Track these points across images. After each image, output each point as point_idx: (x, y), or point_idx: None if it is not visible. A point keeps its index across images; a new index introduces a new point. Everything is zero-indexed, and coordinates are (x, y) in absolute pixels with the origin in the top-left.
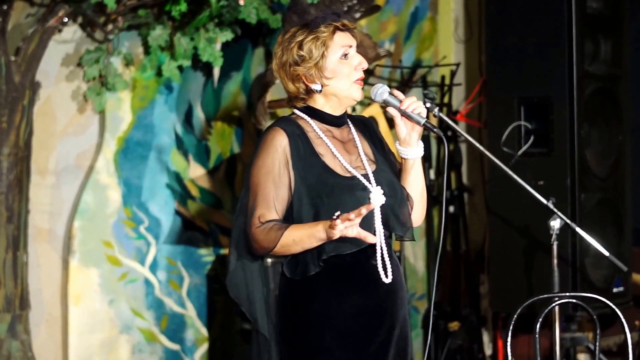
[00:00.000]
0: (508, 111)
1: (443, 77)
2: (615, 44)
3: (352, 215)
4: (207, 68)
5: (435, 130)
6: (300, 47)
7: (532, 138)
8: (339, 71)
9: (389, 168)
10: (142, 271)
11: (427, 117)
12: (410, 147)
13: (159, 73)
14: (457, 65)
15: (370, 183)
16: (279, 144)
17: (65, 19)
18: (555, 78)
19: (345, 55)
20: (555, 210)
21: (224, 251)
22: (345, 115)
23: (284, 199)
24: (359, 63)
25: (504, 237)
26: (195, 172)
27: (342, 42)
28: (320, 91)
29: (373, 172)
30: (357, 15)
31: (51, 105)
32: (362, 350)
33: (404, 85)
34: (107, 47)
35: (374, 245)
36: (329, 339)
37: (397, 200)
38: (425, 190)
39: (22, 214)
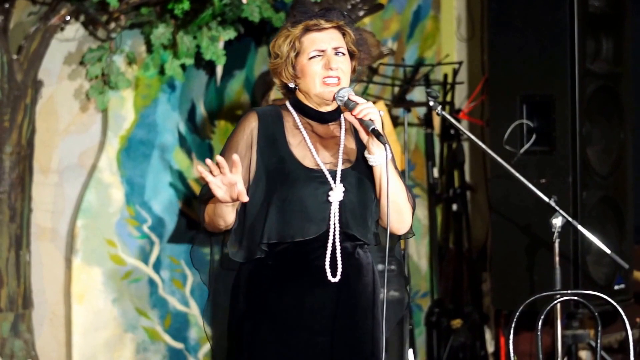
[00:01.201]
0: (510, 109)
1: (445, 76)
2: (617, 42)
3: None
4: (210, 66)
5: (380, 138)
6: (274, 44)
7: (534, 136)
8: (306, 71)
9: (368, 169)
10: (145, 270)
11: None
12: (371, 154)
13: (161, 71)
14: (460, 63)
15: (334, 179)
16: (248, 126)
17: (68, 18)
18: (557, 76)
19: (315, 56)
20: (557, 208)
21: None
22: (334, 112)
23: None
24: (327, 63)
25: (506, 234)
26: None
27: (312, 42)
28: (296, 89)
29: (344, 170)
30: (361, 13)
31: (53, 104)
32: (300, 348)
33: (407, 84)
34: (109, 45)
35: (326, 241)
36: (265, 329)
37: (360, 201)
38: (400, 198)
39: (25, 212)
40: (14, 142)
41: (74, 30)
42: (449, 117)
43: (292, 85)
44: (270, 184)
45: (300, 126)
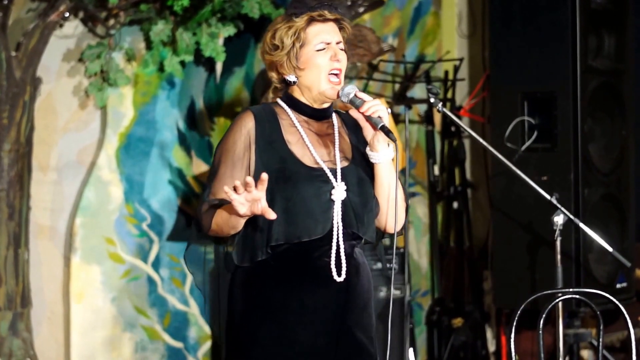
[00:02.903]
0: (511, 106)
1: (446, 72)
2: (618, 39)
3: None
4: (209, 63)
5: (390, 135)
6: (273, 35)
7: (535, 133)
8: (311, 62)
9: (366, 167)
10: (144, 268)
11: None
12: (375, 151)
13: (161, 68)
14: (461, 60)
15: (335, 178)
16: (244, 126)
17: (67, 14)
18: (558, 73)
19: (322, 49)
20: (559, 205)
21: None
22: (328, 109)
23: (240, 180)
24: (334, 55)
25: (507, 232)
26: (198, 169)
27: (318, 34)
28: (295, 83)
29: (343, 169)
30: (361, 9)
31: (52, 101)
32: (301, 349)
33: (408, 81)
34: (108, 42)
35: (329, 240)
36: (265, 331)
37: (361, 200)
38: (399, 196)
39: (24, 210)
40: (12, 140)
41: (73, 27)
42: (449, 114)
43: (292, 78)
44: (271, 184)
45: (297, 124)
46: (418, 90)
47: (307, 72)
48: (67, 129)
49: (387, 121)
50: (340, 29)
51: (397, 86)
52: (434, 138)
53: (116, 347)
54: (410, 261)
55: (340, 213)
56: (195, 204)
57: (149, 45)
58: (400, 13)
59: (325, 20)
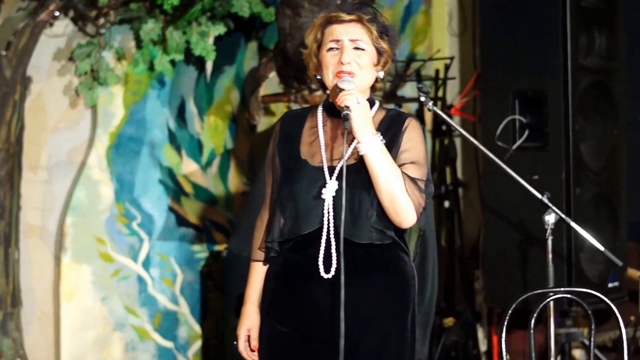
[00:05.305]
0: (502, 105)
1: (437, 71)
2: (609, 37)
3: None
4: (199, 62)
5: (345, 123)
6: (307, 36)
7: (526, 132)
8: (323, 62)
9: None
10: (134, 268)
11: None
12: (359, 143)
13: (151, 67)
14: (451, 59)
15: (331, 176)
16: (274, 130)
17: (57, 13)
18: (549, 72)
19: (332, 48)
20: (550, 204)
21: (218, 247)
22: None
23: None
24: (340, 56)
25: (498, 232)
26: (188, 168)
27: (330, 34)
28: (321, 81)
29: (348, 167)
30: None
31: (43, 100)
32: (298, 349)
33: (398, 79)
34: (98, 41)
35: (319, 237)
36: (263, 325)
37: (354, 198)
38: (394, 188)
39: (14, 210)
40: (2, 139)
41: (63, 26)
42: (440, 113)
43: (319, 77)
44: (280, 184)
45: (320, 124)
46: (409, 89)
47: (322, 72)
48: (57, 128)
49: (357, 111)
50: (365, 26)
51: (387, 85)
52: (425, 137)
53: (106, 346)
54: None
55: (331, 210)
56: (185, 203)
57: (139, 44)
58: (390, 11)
59: (341, 21)
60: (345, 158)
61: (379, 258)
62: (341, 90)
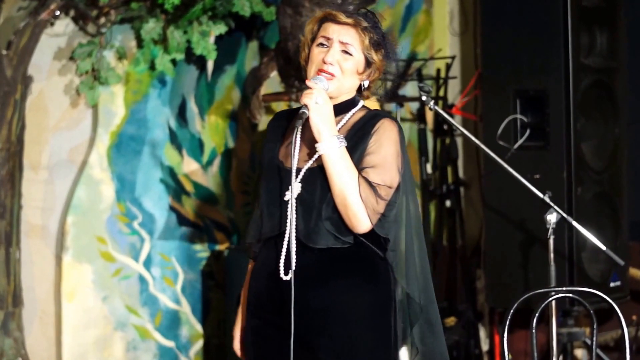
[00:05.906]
0: (504, 104)
1: (438, 70)
2: (611, 37)
3: None
4: (200, 61)
5: (297, 122)
6: (305, 25)
7: (528, 131)
8: (311, 57)
9: None
10: (136, 267)
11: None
12: (316, 143)
13: (152, 67)
14: (453, 58)
15: (296, 177)
16: (267, 130)
17: (57, 12)
18: (551, 71)
19: (322, 44)
20: (552, 204)
21: (219, 247)
22: (341, 106)
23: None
24: (325, 55)
25: (500, 231)
26: (189, 167)
27: (324, 30)
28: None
29: (313, 169)
30: (351, 7)
31: (43, 100)
32: (268, 345)
33: (399, 79)
34: (99, 40)
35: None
36: (249, 325)
37: (313, 202)
38: (347, 191)
39: (15, 209)
40: (3, 139)
41: (64, 25)
42: (442, 112)
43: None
44: (261, 184)
45: (299, 125)
46: (410, 88)
47: (308, 65)
48: (58, 127)
49: (316, 110)
50: (359, 32)
51: (388, 84)
52: (426, 136)
53: (107, 346)
54: None
55: (294, 211)
56: (186, 202)
57: (140, 43)
58: (391, 10)
59: (338, 22)
60: (296, 158)
61: (341, 261)
62: (307, 87)
